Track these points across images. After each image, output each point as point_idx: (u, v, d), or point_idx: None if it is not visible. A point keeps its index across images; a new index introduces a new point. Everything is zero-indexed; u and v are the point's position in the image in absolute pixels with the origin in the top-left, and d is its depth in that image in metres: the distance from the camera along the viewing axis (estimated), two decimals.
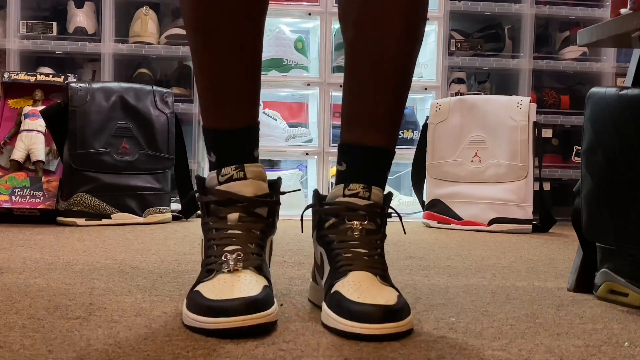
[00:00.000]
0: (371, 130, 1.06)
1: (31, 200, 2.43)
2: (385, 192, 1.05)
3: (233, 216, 1.01)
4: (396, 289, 0.97)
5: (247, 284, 0.93)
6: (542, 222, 2.67)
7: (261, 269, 0.98)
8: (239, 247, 0.98)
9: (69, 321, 0.96)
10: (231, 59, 1.05)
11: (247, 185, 1.02)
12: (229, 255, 0.97)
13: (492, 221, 2.60)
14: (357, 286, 0.94)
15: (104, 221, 2.40)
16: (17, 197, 2.43)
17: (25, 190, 2.45)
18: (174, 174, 2.67)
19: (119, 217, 2.43)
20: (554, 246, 2.15)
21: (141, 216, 2.48)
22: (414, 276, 1.44)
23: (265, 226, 1.03)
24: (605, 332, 0.98)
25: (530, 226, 2.59)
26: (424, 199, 2.79)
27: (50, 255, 1.61)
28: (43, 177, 2.49)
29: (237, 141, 1.07)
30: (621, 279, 1.17)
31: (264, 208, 1.04)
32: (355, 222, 1.01)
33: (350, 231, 1.01)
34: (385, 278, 0.99)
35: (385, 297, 0.93)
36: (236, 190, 1.02)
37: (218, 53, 1.05)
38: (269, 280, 0.99)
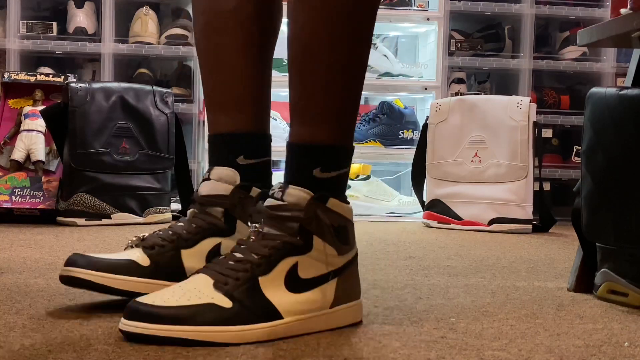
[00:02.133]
0: (293, 123, 1.00)
1: (31, 200, 2.43)
2: (319, 193, 0.94)
3: (189, 213, 1.07)
4: (240, 303, 0.88)
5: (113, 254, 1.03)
6: (542, 222, 2.67)
7: (152, 248, 1.04)
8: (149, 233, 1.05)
9: (69, 321, 0.96)
10: (214, 67, 1.08)
11: (205, 185, 1.07)
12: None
13: (492, 221, 2.59)
14: (174, 287, 0.91)
15: (104, 221, 2.39)
16: (17, 197, 2.43)
17: (25, 190, 2.45)
18: (174, 174, 2.67)
19: (119, 217, 2.43)
20: (554, 246, 2.15)
21: (141, 216, 2.48)
22: (414, 276, 1.44)
23: (211, 224, 1.04)
24: (605, 332, 0.98)
25: (530, 226, 2.59)
26: (424, 199, 2.78)
27: (50, 255, 1.61)
28: (43, 177, 2.49)
29: (214, 146, 1.10)
30: (621, 279, 1.17)
31: (218, 209, 1.04)
32: (257, 224, 0.95)
33: (250, 234, 0.95)
34: (223, 285, 0.89)
35: (170, 297, 0.88)
36: (198, 190, 1.07)
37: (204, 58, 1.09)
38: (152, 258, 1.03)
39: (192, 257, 1.04)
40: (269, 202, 0.95)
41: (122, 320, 0.86)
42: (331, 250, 0.95)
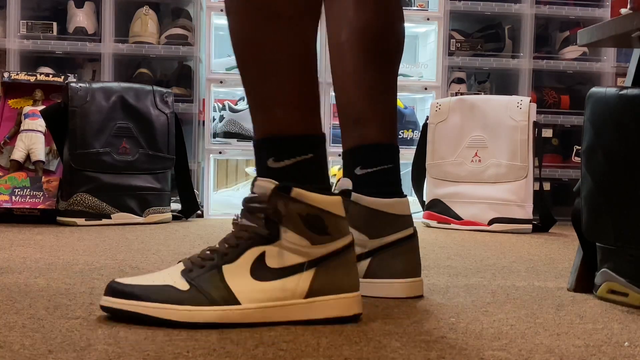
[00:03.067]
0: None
1: (31, 200, 2.43)
2: (283, 183, 0.95)
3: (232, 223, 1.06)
4: (196, 287, 0.93)
5: None
6: (542, 222, 2.67)
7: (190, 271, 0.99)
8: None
9: (69, 321, 0.96)
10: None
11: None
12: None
13: (492, 221, 2.60)
14: (156, 272, 1.01)
15: (104, 221, 2.40)
16: (17, 197, 2.43)
17: (25, 190, 2.45)
18: (174, 174, 2.67)
19: (119, 217, 2.43)
20: (554, 246, 2.15)
21: (141, 216, 2.48)
22: None
23: (255, 229, 0.97)
24: (605, 332, 0.98)
25: (530, 226, 2.59)
26: (424, 199, 2.79)
27: (50, 255, 1.61)
28: (43, 177, 2.49)
29: (255, 151, 1.04)
30: (621, 279, 1.17)
31: (260, 215, 0.98)
32: (237, 216, 0.99)
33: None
34: (189, 272, 0.95)
35: (144, 280, 0.97)
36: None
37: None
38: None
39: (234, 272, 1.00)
40: (247, 194, 0.99)
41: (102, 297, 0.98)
42: (302, 240, 0.96)
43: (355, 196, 1.17)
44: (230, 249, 0.96)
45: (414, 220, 1.22)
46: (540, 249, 2.05)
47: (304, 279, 0.96)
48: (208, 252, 0.98)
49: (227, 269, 0.95)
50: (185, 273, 0.96)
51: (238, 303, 0.94)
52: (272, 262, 0.96)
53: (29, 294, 1.15)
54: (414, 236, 1.19)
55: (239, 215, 0.99)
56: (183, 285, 0.95)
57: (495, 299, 1.21)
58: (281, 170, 0.97)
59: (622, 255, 1.17)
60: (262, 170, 0.98)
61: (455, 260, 1.73)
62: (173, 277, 0.96)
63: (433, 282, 1.37)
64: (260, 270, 0.95)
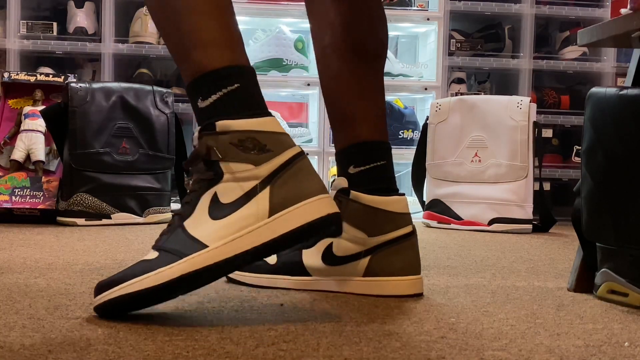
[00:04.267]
0: None
1: (31, 200, 2.43)
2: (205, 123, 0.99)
3: None
4: (164, 250, 0.96)
5: None
6: (542, 222, 2.67)
7: None
8: None
9: (69, 321, 0.96)
10: None
11: None
12: None
13: (492, 221, 2.60)
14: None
15: (104, 221, 2.40)
16: (17, 197, 2.43)
17: (25, 190, 2.45)
18: (174, 174, 2.67)
19: (119, 217, 2.43)
20: (554, 246, 2.15)
21: (141, 216, 2.48)
22: None
23: (200, 177, 1.03)
24: (605, 332, 0.98)
25: (530, 226, 2.59)
26: (424, 199, 2.79)
27: (50, 255, 1.61)
28: (43, 177, 2.49)
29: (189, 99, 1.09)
30: (621, 279, 1.17)
31: (199, 162, 1.04)
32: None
33: None
34: (157, 242, 0.99)
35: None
36: None
37: None
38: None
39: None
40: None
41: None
42: (245, 166, 0.96)
43: (353, 194, 1.18)
44: (186, 206, 0.98)
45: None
46: (540, 249, 2.05)
47: (262, 200, 0.95)
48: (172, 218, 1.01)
49: (188, 223, 0.96)
50: (154, 245, 0.99)
51: (206, 246, 0.93)
52: (225, 198, 0.96)
53: (29, 294, 1.15)
54: (413, 234, 1.20)
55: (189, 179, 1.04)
56: (152, 254, 0.97)
57: (495, 299, 1.21)
58: (210, 107, 0.98)
59: (622, 255, 1.17)
60: (196, 114, 1.00)
61: (455, 260, 1.73)
62: (146, 254, 0.99)
63: (433, 282, 1.37)
64: (217, 210, 0.95)
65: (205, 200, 0.97)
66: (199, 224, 0.95)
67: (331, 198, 0.99)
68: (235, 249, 0.93)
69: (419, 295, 1.19)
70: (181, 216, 0.98)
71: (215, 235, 0.94)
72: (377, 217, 1.18)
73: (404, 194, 1.21)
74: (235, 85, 0.99)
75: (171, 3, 1.01)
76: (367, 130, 1.25)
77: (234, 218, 0.95)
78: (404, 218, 1.20)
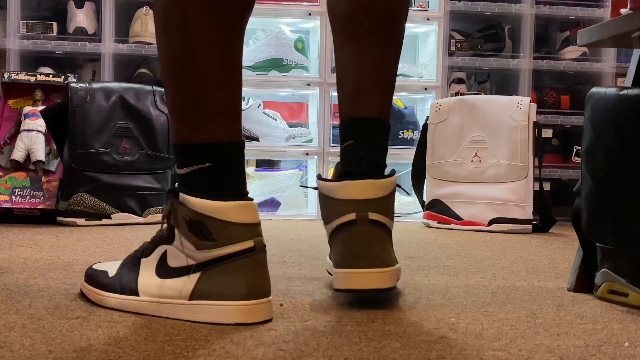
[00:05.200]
0: None
1: (31, 200, 2.43)
2: (175, 188, 1.05)
3: None
4: (119, 276, 1.08)
5: None
6: (542, 222, 2.67)
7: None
8: None
9: (69, 321, 0.96)
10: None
11: None
12: None
13: (492, 221, 2.60)
14: None
15: (104, 221, 2.39)
16: (17, 197, 2.43)
17: (25, 190, 2.45)
18: (174, 174, 2.67)
19: (119, 217, 2.43)
20: (554, 246, 2.15)
21: (141, 216, 2.48)
22: (414, 276, 1.44)
23: (162, 229, 1.09)
24: (605, 332, 0.98)
25: (530, 226, 2.59)
26: (424, 199, 2.79)
27: (50, 255, 1.61)
28: (43, 177, 2.49)
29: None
30: (621, 279, 1.17)
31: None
32: None
33: None
34: (127, 260, 1.10)
35: (109, 264, 1.14)
36: None
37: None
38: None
39: (147, 265, 1.07)
40: None
41: None
42: (187, 243, 0.99)
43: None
44: (149, 244, 1.06)
45: (414, 220, 1.20)
46: (540, 249, 2.05)
47: (190, 281, 0.99)
48: (146, 242, 1.08)
49: (143, 262, 1.05)
50: (125, 260, 1.09)
51: (137, 294, 1.03)
52: (171, 261, 1.02)
53: (29, 294, 1.15)
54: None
55: None
56: (113, 271, 1.09)
57: (495, 299, 1.21)
58: (182, 176, 1.02)
59: (622, 255, 1.17)
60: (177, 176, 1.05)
61: (455, 260, 1.73)
62: (119, 262, 1.10)
63: (433, 282, 1.37)
64: (161, 268, 1.03)
65: (158, 251, 1.04)
66: (147, 269, 1.04)
67: (253, 306, 0.97)
68: (155, 310, 1.01)
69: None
70: (142, 250, 1.07)
71: (148, 290, 1.03)
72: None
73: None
74: (207, 164, 1.00)
75: (176, 65, 1.02)
76: (343, 109, 1.19)
77: (166, 284, 1.01)
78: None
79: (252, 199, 1.01)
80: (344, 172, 1.14)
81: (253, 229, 0.99)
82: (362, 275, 1.07)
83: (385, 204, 1.11)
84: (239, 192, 1.01)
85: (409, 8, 1.25)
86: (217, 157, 1.01)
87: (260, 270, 0.99)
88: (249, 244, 0.97)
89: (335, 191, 1.10)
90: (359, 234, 1.08)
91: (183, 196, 0.99)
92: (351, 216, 1.08)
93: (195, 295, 0.98)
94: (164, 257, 1.02)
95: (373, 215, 1.08)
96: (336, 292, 1.18)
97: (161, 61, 1.03)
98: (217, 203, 0.98)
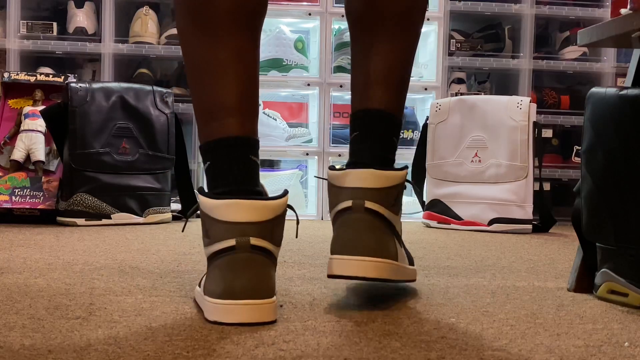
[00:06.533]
0: None
1: (31, 200, 2.43)
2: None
3: None
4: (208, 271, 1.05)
5: None
6: (542, 222, 2.67)
7: None
8: None
9: (69, 321, 0.96)
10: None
11: None
12: None
13: (492, 221, 2.60)
14: None
15: (104, 221, 2.40)
16: (17, 197, 2.43)
17: (25, 190, 2.45)
18: (174, 174, 2.67)
19: (119, 217, 2.43)
20: (554, 246, 2.15)
21: (141, 216, 2.48)
22: None
23: None
24: (605, 332, 0.98)
25: (530, 226, 2.59)
26: (424, 199, 2.79)
27: (50, 255, 1.61)
28: (43, 177, 2.49)
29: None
30: (621, 279, 1.17)
31: None
32: None
33: None
34: None
35: None
36: None
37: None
38: None
39: None
40: None
41: None
42: (204, 240, 1.03)
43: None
44: None
45: (414, 220, 1.20)
46: (540, 249, 2.05)
47: (204, 276, 1.05)
48: None
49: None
50: None
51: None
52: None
53: (29, 294, 1.15)
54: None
55: None
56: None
57: (495, 299, 1.21)
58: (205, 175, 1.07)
59: (622, 255, 1.17)
60: None
61: (455, 260, 1.73)
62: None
63: (433, 282, 1.37)
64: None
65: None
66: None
67: (228, 306, 0.95)
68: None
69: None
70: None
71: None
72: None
73: (255, 197, 1.01)
74: (207, 162, 1.06)
75: (196, 62, 1.07)
76: (353, 101, 1.19)
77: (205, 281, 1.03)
78: (230, 228, 0.98)
79: (255, 197, 1.00)
80: (350, 162, 1.14)
81: (238, 228, 0.96)
82: (351, 262, 1.06)
83: (387, 196, 1.09)
84: (237, 187, 1.02)
85: (426, 9, 1.23)
86: (212, 155, 1.05)
87: (241, 270, 0.96)
88: (229, 242, 0.97)
89: (337, 179, 1.11)
90: (352, 221, 1.07)
91: (197, 192, 1.04)
92: (347, 203, 1.08)
93: (203, 288, 1.02)
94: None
95: (369, 204, 1.07)
96: (336, 293, 1.18)
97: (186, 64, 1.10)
98: (207, 200, 1.00)
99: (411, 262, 1.21)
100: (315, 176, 3.02)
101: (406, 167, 1.15)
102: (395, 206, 1.11)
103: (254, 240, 0.97)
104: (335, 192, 1.11)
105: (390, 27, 1.17)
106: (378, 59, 1.17)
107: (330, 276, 1.08)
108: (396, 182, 1.11)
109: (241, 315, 0.95)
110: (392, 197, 1.10)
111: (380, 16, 1.17)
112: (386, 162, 1.15)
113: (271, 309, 0.97)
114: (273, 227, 1.00)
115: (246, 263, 0.96)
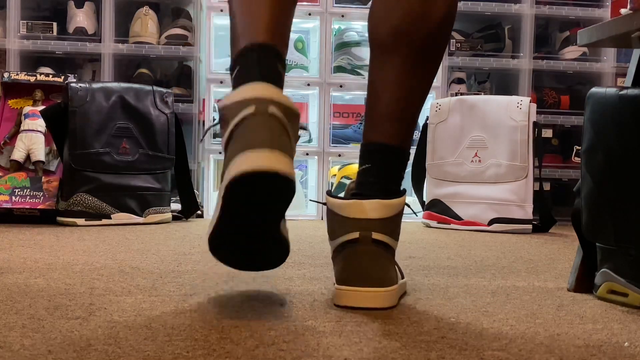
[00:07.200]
0: None
1: (31, 200, 2.43)
2: None
3: None
4: None
5: None
6: (542, 222, 2.67)
7: None
8: None
9: (69, 321, 0.96)
10: None
11: None
12: None
13: (492, 221, 2.60)
14: None
15: (104, 221, 2.40)
16: (17, 197, 2.43)
17: (25, 190, 2.45)
18: (174, 174, 2.67)
19: (119, 217, 2.43)
20: (554, 246, 2.15)
21: (141, 216, 2.48)
22: (414, 276, 1.44)
23: None
24: (605, 332, 0.98)
25: (530, 226, 2.59)
26: (424, 199, 2.79)
27: (50, 255, 1.61)
28: (43, 177, 2.49)
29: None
30: (621, 279, 1.17)
31: None
32: None
33: None
34: None
35: None
36: None
37: None
38: None
39: None
40: None
41: None
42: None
43: None
44: None
45: (414, 220, 1.20)
46: (540, 249, 2.05)
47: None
48: None
49: None
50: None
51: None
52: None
53: (29, 294, 1.15)
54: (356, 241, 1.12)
55: None
56: None
57: (495, 299, 1.21)
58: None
59: (622, 255, 1.17)
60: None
61: (455, 260, 1.73)
62: None
63: (433, 282, 1.37)
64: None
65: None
66: None
67: (259, 152, 0.93)
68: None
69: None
70: None
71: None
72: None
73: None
74: (236, 69, 1.05)
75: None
76: (365, 131, 1.19)
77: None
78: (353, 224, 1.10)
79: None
80: (356, 193, 1.15)
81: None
82: (361, 293, 1.08)
83: (391, 224, 1.12)
84: (248, 79, 1.03)
85: (449, 39, 1.22)
86: (245, 58, 1.06)
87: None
88: (247, 112, 0.99)
89: (342, 209, 1.11)
90: (361, 253, 1.09)
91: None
92: (355, 235, 1.09)
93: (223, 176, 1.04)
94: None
95: (377, 235, 1.09)
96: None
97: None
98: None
99: (402, 276, 1.22)
100: (311, 199, 3.02)
101: (404, 191, 1.17)
102: (397, 231, 1.15)
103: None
104: (338, 221, 1.12)
105: (413, 60, 1.16)
106: (397, 90, 1.16)
107: (338, 306, 1.10)
108: (400, 208, 1.14)
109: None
110: (397, 224, 1.14)
111: (406, 43, 1.16)
112: (391, 192, 1.16)
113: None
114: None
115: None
